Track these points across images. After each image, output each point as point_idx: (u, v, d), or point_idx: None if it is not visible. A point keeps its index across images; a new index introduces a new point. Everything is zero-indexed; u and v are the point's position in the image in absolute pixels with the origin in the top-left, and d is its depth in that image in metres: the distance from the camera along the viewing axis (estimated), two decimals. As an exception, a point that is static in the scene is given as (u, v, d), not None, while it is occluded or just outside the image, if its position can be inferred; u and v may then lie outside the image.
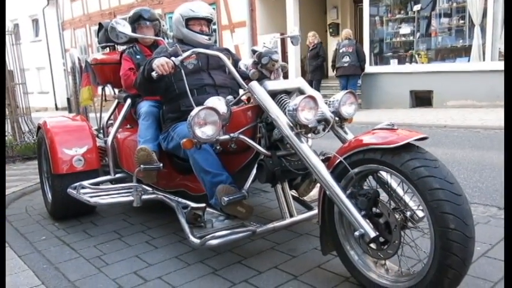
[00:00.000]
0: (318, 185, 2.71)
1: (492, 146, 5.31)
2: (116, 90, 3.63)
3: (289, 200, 2.40)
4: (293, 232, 2.76)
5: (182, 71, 2.53)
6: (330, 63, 10.12)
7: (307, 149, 2.05)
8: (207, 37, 2.91)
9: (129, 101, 3.25)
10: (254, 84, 2.29)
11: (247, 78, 2.47)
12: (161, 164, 2.78)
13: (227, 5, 12.54)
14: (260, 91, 2.26)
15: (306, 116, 2.06)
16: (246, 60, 2.50)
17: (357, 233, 1.77)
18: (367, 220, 1.80)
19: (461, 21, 8.57)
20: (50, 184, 3.32)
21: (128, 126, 3.35)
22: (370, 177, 2.02)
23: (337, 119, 2.28)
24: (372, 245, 1.84)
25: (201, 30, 2.91)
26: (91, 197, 2.86)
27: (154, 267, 2.44)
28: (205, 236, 2.15)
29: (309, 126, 2.10)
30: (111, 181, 3.24)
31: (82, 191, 2.92)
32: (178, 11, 2.91)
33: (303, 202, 2.63)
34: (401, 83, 9.06)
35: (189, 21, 2.89)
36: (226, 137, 2.25)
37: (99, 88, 3.86)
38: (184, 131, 2.52)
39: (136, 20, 3.39)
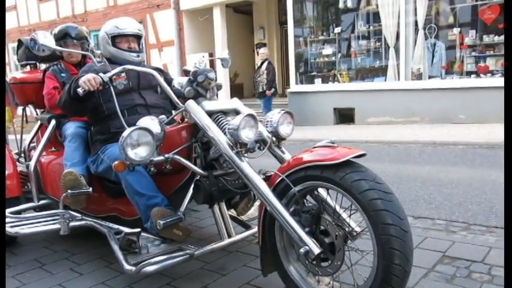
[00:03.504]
0: (256, 203, 2.70)
1: (408, 159, 5.65)
2: (39, 111, 3.38)
3: (227, 220, 2.35)
4: (222, 250, 2.68)
5: (112, 90, 2.40)
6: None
7: (248, 167, 2.01)
8: (135, 54, 2.79)
9: (53, 122, 3.02)
10: (191, 103, 2.23)
11: (181, 97, 2.40)
12: (90, 188, 2.61)
13: (154, 24, 12.36)
14: (197, 110, 2.20)
15: (247, 135, 2.03)
16: (180, 79, 2.43)
17: (302, 250, 1.75)
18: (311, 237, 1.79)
19: (378, 44, 9.07)
20: (-37, 214, 2.98)
21: (53, 149, 3.11)
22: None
23: (274, 138, 2.27)
24: (314, 262, 1.83)
25: (129, 48, 2.79)
26: (12, 226, 2.60)
27: (79, 295, 2.29)
28: (141, 263, 2.02)
29: (248, 145, 2.07)
30: (35, 208, 2.98)
31: (1, 220, 2.65)
32: (104, 29, 2.78)
33: (240, 221, 2.58)
34: (326, 101, 9.39)
35: (115, 38, 2.76)
36: (161, 158, 2.15)
37: (20, 109, 3.57)
38: (115, 153, 2.39)
39: (62, 38, 3.18)
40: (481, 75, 8.00)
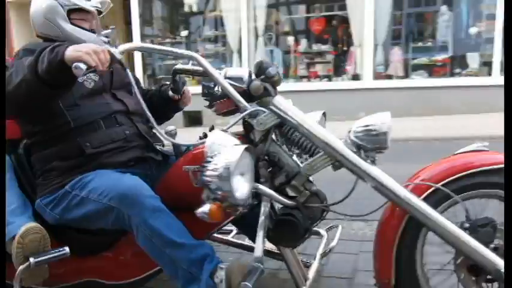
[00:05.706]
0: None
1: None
2: None
3: (299, 261, 1.68)
4: None
5: (135, 84, 1.50)
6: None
7: (385, 176, 1.44)
8: (106, 39, 1.74)
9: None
10: (280, 99, 1.55)
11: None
12: (67, 248, 1.55)
13: None
14: (292, 109, 1.55)
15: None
16: (234, 71, 1.69)
17: (502, 270, 1.31)
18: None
19: (223, 48, 8.86)
20: None
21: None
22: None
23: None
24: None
25: (91, 28, 1.84)
26: None
27: None
28: None
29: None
30: None
31: None
32: None
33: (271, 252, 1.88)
34: (174, 104, 8.72)
35: (71, 13, 1.78)
36: None
37: None
38: (116, 189, 1.50)
39: None
40: (312, 79, 8.60)
